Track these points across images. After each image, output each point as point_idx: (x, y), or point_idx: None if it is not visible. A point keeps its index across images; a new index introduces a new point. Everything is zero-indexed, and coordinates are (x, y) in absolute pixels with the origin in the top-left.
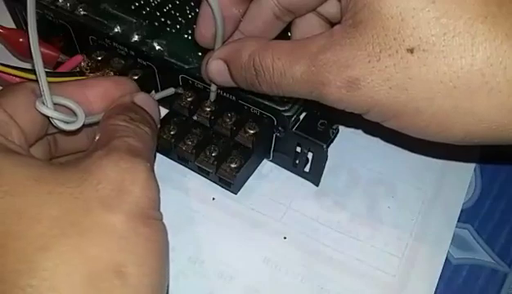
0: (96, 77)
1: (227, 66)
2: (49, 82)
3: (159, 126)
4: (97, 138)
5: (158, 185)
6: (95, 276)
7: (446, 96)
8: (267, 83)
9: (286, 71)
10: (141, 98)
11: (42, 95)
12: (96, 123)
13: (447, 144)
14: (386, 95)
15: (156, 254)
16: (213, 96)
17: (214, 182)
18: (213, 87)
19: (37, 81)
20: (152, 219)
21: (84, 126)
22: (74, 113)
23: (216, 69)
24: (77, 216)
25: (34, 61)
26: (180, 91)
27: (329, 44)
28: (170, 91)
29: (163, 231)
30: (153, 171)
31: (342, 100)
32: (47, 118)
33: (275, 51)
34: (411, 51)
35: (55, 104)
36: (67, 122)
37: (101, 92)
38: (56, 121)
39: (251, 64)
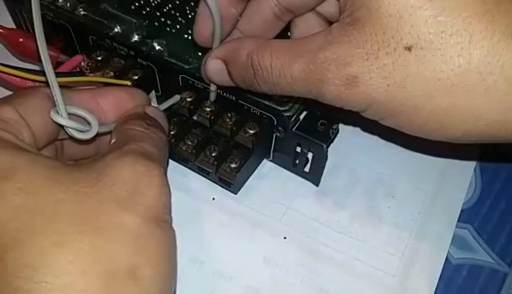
0: (109, 86)
1: (226, 65)
2: (61, 86)
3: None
4: (113, 141)
5: (170, 191)
6: (110, 275)
7: (443, 94)
8: (265, 83)
9: (285, 70)
10: (153, 110)
11: (56, 103)
12: (109, 133)
13: (447, 143)
14: (384, 93)
15: (168, 257)
16: (213, 96)
17: (214, 182)
18: (213, 87)
19: (48, 85)
20: (165, 223)
21: (97, 135)
22: (88, 123)
23: (214, 68)
24: (92, 215)
25: (46, 71)
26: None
27: (327, 42)
28: (176, 98)
29: (174, 235)
30: (166, 176)
31: (340, 98)
32: (62, 126)
33: (273, 50)
34: (409, 49)
35: (69, 113)
36: (81, 131)
37: (113, 102)
38: (70, 130)
39: (249, 64)
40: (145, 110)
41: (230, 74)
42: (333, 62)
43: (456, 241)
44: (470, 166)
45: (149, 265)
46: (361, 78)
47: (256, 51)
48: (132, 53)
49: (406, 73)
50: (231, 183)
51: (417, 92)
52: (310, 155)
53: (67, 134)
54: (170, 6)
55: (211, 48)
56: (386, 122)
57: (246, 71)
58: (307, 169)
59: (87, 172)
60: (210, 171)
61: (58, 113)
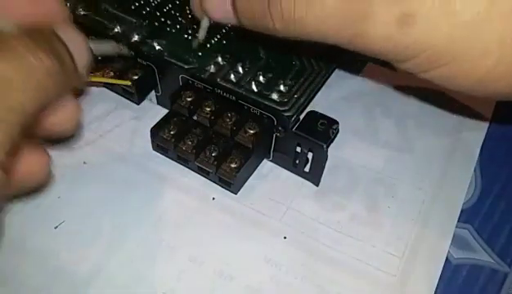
0: None
1: None
2: None
3: (86, 79)
4: None
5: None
6: None
7: None
8: (282, 18)
9: None
10: (69, 33)
11: None
12: None
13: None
14: (447, 34)
15: None
16: (202, 35)
17: (214, 182)
18: (205, 23)
19: None
20: None
21: None
22: None
23: None
24: None
25: None
26: (122, 48)
27: None
28: (111, 45)
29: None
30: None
31: (390, 40)
32: None
33: None
34: None
35: None
36: None
37: None
38: None
39: None
40: (56, 29)
41: (234, 5)
42: None
43: (456, 241)
44: (470, 166)
45: None
46: (418, 15)
47: None
48: (132, 53)
49: (477, 8)
50: (231, 183)
51: (490, 32)
52: (310, 155)
53: None
54: (170, 6)
55: None
56: (434, 74)
57: None
58: (307, 169)
59: None
60: (210, 171)
61: None
